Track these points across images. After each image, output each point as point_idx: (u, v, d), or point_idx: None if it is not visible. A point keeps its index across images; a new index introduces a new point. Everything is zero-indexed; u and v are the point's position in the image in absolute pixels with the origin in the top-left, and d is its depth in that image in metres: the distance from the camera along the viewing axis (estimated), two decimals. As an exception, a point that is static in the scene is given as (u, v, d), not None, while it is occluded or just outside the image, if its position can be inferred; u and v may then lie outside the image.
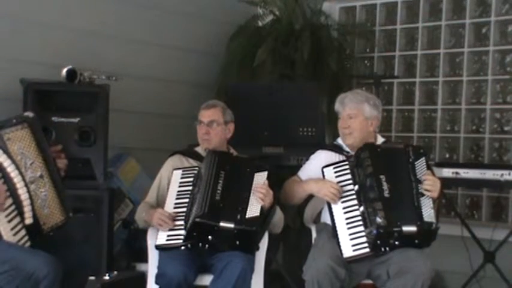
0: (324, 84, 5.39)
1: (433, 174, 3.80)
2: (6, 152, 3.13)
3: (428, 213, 3.66)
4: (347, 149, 3.96)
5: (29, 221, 3.16)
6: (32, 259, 3.08)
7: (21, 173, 3.15)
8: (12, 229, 3.12)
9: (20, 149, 3.16)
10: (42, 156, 3.25)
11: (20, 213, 3.15)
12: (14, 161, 3.13)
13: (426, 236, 3.66)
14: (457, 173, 4.59)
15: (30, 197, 3.17)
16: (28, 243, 3.16)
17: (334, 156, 3.95)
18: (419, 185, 3.70)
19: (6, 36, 4.58)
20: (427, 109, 5.70)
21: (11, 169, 3.12)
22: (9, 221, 3.12)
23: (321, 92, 5.11)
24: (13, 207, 3.13)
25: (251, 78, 5.47)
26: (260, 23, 5.79)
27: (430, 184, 3.70)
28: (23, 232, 3.15)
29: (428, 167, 3.80)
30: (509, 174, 4.49)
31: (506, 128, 5.40)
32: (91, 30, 5.01)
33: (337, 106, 3.98)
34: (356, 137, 3.90)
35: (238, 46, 5.63)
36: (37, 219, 3.19)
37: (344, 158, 3.90)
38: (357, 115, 3.90)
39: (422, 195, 3.69)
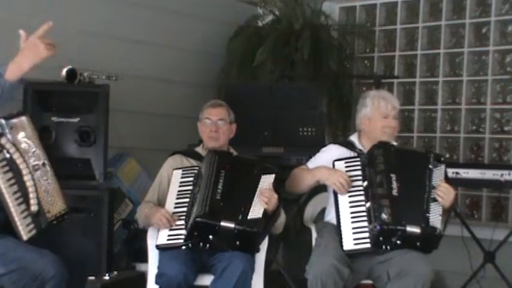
0: (324, 84, 5.40)
1: (451, 185, 3.77)
2: (11, 139, 3.17)
3: (435, 219, 3.65)
4: (359, 147, 3.94)
5: (34, 208, 3.19)
6: (40, 260, 3.10)
7: (25, 161, 3.19)
8: (21, 213, 3.15)
9: (24, 137, 3.22)
10: (43, 146, 3.28)
11: (26, 201, 3.18)
12: (18, 149, 3.18)
13: (429, 240, 3.65)
14: (457, 173, 4.58)
15: (35, 185, 3.21)
16: (34, 232, 3.17)
17: (346, 153, 3.93)
18: (432, 190, 3.69)
19: (6, 36, 4.58)
20: (427, 109, 5.70)
21: (16, 156, 3.17)
22: (18, 205, 3.15)
23: (321, 92, 5.11)
24: (19, 194, 3.16)
25: (251, 78, 5.47)
26: (260, 23, 5.79)
27: (443, 191, 3.69)
28: (29, 219, 3.17)
29: (447, 178, 3.79)
30: (509, 174, 4.49)
31: (506, 128, 5.40)
32: (91, 30, 5.00)
33: (384, 104, 3.88)
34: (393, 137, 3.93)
35: (238, 46, 5.62)
36: (42, 207, 3.21)
37: (356, 155, 3.88)
38: (397, 116, 3.91)
39: (434, 200, 3.68)
